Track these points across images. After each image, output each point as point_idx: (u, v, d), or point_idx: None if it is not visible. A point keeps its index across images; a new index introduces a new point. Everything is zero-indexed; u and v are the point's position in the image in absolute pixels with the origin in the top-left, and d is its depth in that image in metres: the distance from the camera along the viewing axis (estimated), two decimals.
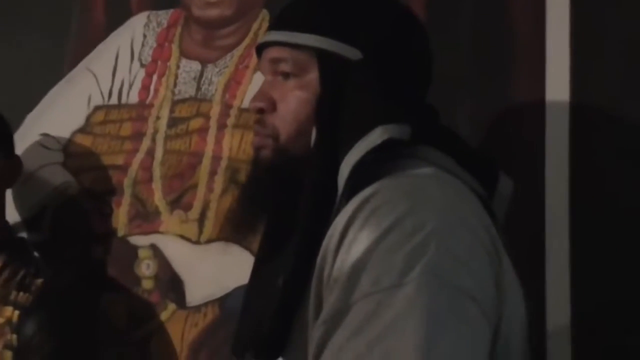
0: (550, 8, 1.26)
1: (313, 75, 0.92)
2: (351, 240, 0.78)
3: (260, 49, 0.98)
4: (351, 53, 0.90)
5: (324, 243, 0.82)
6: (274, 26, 0.98)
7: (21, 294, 1.28)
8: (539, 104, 1.24)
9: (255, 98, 0.96)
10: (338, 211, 0.83)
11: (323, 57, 0.91)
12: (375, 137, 0.84)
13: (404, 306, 0.72)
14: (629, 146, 1.19)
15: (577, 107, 1.22)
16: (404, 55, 0.94)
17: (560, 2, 1.25)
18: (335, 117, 0.88)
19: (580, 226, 1.18)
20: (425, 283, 0.73)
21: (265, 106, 0.94)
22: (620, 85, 1.21)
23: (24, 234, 1.49)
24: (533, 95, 1.25)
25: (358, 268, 0.75)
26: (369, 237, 0.76)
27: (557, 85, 1.24)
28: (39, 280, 1.30)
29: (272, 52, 0.95)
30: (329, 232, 0.82)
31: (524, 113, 1.26)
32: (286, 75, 0.94)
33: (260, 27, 1.45)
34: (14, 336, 1.24)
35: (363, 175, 0.84)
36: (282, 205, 0.95)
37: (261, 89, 0.97)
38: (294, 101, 0.93)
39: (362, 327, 0.72)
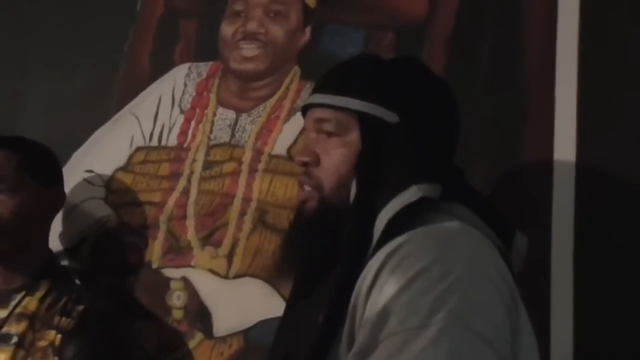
0: (559, 69, 1.36)
1: (354, 135, 1.01)
2: (382, 284, 0.85)
3: (305, 108, 1.08)
4: (389, 116, 0.99)
5: (357, 285, 0.89)
6: (318, 89, 1.07)
7: (63, 318, 1.35)
8: (547, 162, 1.33)
9: (301, 152, 1.06)
10: (371, 257, 0.90)
11: (364, 119, 1.00)
12: (410, 195, 0.92)
13: (428, 345, 0.79)
14: (631, 204, 1.28)
15: (583, 165, 1.31)
16: (437, 121, 1.03)
17: (569, 63, 1.36)
18: (374, 173, 0.96)
19: (584, 279, 1.26)
20: (448, 327, 0.80)
21: (310, 160, 1.04)
22: (623, 145, 1.30)
23: (66, 263, 1.59)
24: (541, 154, 1.34)
25: (387, 309, 0.83)
26: (398, 281, 0.84)
27: (564, 144, 1.33)
28: (80, 307, 1.37)
29: (317, 113, 1.05)
30: (362, 274, 0.89)
31: (533, 170, 1.35)
32: (329, 134, 1.03)
33: (291, 81, 1.57)
34: (56, 358, 1.31)
35: (394, 229, 0.91)
36: (319, 250, 1.02)
37: (306, 144, 1.06)
38: (337, 156, 1.02)
39: None
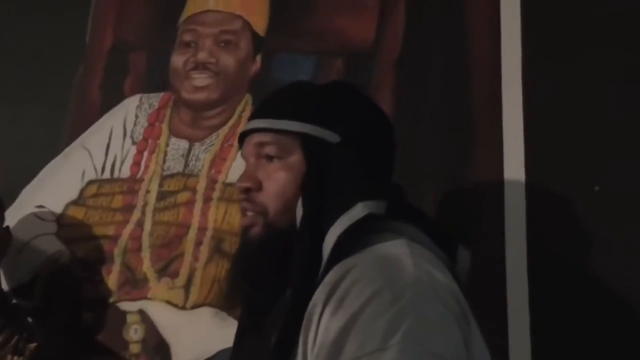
0: (505, 88, 1.41)
1: (296, 157, 1.01)
2: (334, 309, 0.85)
3: (243, 136, 1.08)
4: (330, 137, 1.01)
5: (308, 311, 0.89)
6: (257, 114, 1.07)
7: (16, 357, 1.33)
8: (498, 181, 1.37)
9: (241, 179, 1.04)
10: (322, 278, 0.90)
11: (306, 141, 1.01)
12: (357, 211, 0.93)
13: None
14: (579, 216, 1.32)
15: (532, 183, 1.35)
16: (374, 141, 1.04)
17: (514, 83, 1.40)
18: (319, 193, 0.97)
19: (538, 286, 1.29)
20: (405, 348, 0.80)
21: (252, 185, 1.02)
22: (569, 162, 1.35)
23: (17, 301, 1.55)
24: (491, 173, 1.38)
25: (342, 335, 0.82)
26: (351, 307, 0.84)
27: (514, 163, 1.37)
28: (32, 345, 1.35)
29: (258, 137, 1.04)
30: (312, 301, 0.89)
31: (484, 189, 1.38)
32: (270, 158, 1.03)
33: (244, 109, 1.58)
34: None
35: (342, 247, 0.91)
36: (267, 276, 1.01)
37: (247, 170, 1.05)
38: (280, 180, 1.01)
39: None
